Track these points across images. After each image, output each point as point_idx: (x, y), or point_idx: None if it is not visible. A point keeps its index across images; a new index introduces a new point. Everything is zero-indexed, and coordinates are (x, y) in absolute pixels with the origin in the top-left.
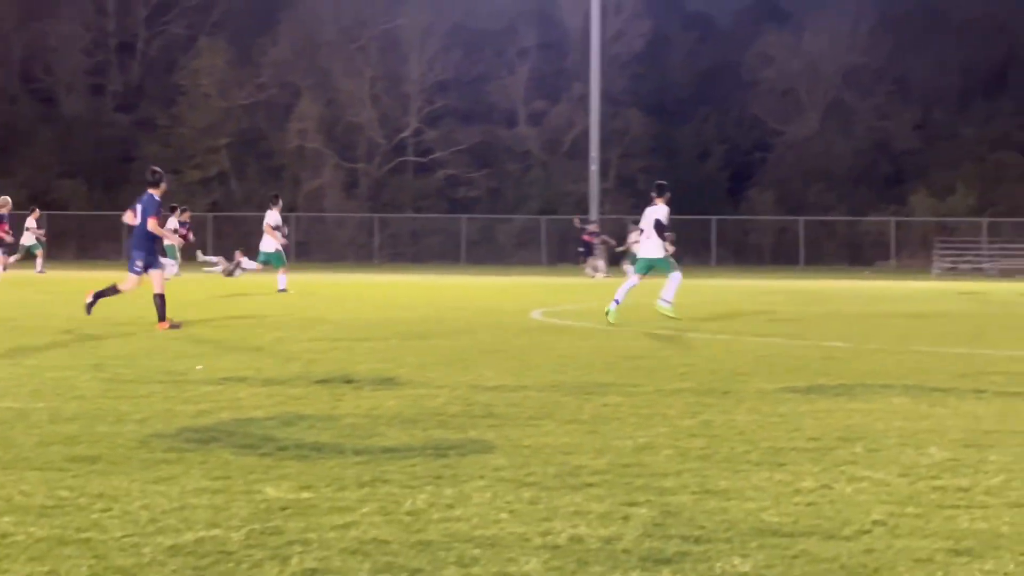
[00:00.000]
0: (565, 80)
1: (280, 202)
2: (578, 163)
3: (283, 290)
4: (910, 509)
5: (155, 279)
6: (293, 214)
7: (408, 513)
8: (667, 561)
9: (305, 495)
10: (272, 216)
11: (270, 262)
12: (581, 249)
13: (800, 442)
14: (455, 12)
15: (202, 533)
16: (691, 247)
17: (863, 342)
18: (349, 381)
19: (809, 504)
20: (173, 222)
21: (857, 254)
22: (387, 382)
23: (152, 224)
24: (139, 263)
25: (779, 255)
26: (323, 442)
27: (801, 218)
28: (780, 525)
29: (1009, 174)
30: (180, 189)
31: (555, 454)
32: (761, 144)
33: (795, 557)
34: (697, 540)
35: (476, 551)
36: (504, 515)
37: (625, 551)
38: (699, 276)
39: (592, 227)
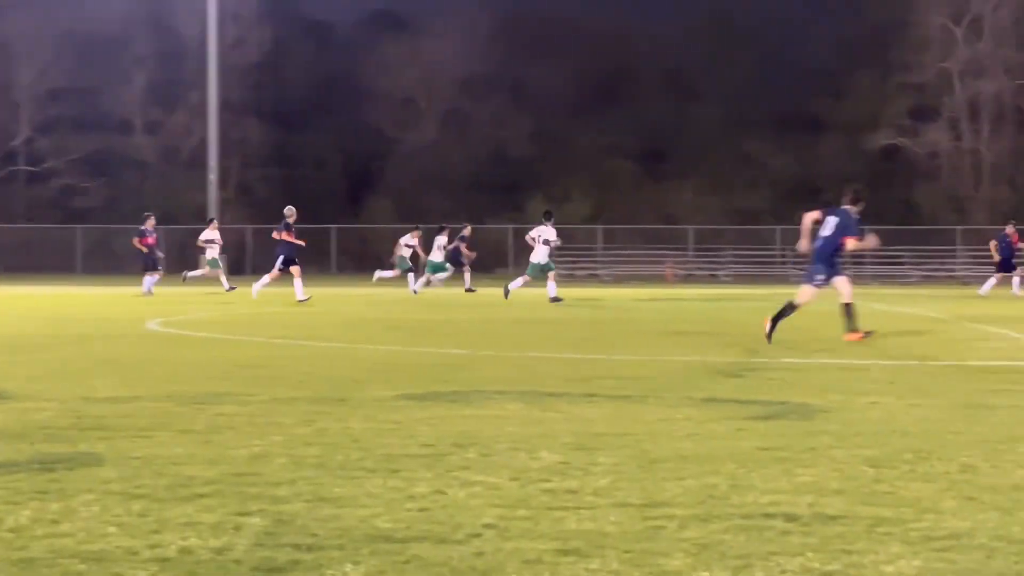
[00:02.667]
0: (182, 89)
1: None
2: (197, 172)
3: None
4: (520, 512)
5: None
6: None
7: (10, 530)
8: (279, 570)
9: None
10: None
11: None
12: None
13: (414, 448)
14: (65, 18)
15: None
16: (311, 256)
17: (479, 348)
18: None
19: (422, 509)
20: None
21: (476, 261)
22: None
23: None
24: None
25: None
26: None
27: (421, 226)
28: (393, 531)
29: (622, 182)
30: None
31: (167, 465)
32: (379, 153)
33: (406, 562)
34: (310, 548)
35: (82, 566)
36: (112, 528)
37: (236, 561)
38: (319, 284)
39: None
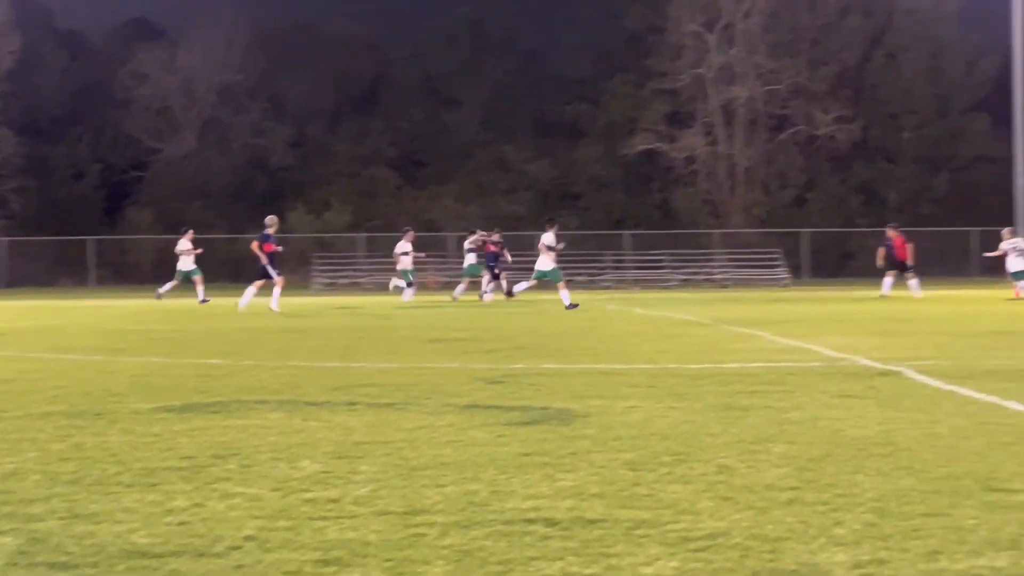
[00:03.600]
0: None
1: None
2: None
3: None
4: (281, 523)
5: None
6: None
7: None
8: None
9: None
10: None
11: None
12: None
13: (173, 461)
14: None
15: None
16: (69, 268)
17: (240, 358)
18: None
19: (181, 523)
20: None
21: (237, 270)
22: None
23: None
24: None
25: (160, 274)
26: None
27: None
28: (150, 546)
29: (382, 189)
30: None
31: None
32: (137, 163)
33: None
34: (64, 566)
35: None
36: None
37: None
38: (77, 297)
39: (495, 236)
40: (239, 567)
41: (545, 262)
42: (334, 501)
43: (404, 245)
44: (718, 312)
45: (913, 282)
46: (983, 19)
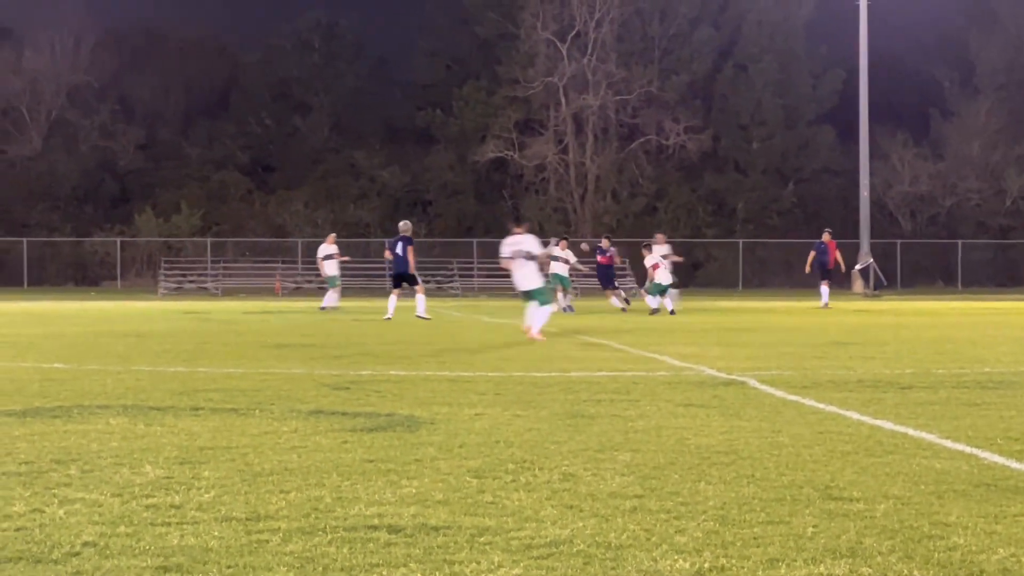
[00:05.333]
0: None
1: None
2: None
3: None
4: (122, 528)
5: None
6: None
7: None
8: None
9: None
10: None
11: None
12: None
13: (12, 466)
14: None
15: None
16: None
17: (84, 363)
18: None
19: (19, 529)
20: None
21: (83, 274)
22: None
23: None
24: None
25: (1, 277)
26: None
27: (24, 239)
28: None
29: (232, 193)
30: None
31: None
32: None
33: None
34: None
35: None
36: None
37: None
38: None
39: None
40: (77, 573)
41: (556, 268)
42: (176, 507)
43: (326, 248)
44: (565, 321)
45: (825, 290)
46: (831, 33)
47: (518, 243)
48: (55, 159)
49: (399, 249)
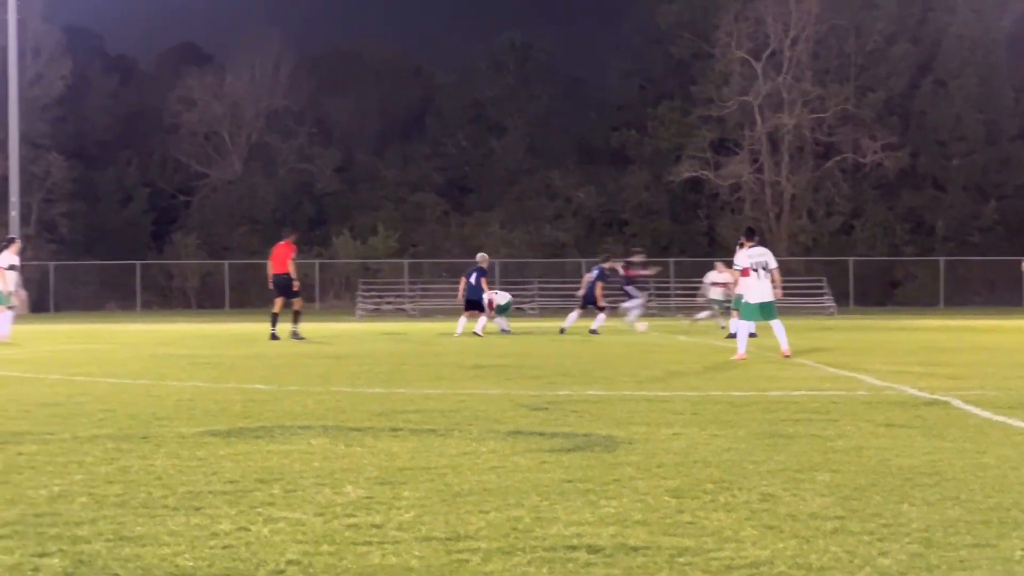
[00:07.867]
0: None
1: None
2: None
3: None
4: (325, 547)
5: None
6: None
7: None
8: None
9: None
10: None
11: None
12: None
13: (218, 485)
14: None
15: None
16: (117, 292)
17: (284, 384)
18: None
19: (225, 547)
20: None
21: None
22: None
23: None
24: None
25: (204, 299)
26: None
27: (226, 262)
28: (195, 569)
29: (427, 215)
30: None
31: None
32: (185, 188)
33: None
34: None
35: None
36: None
37: None
38: (124, 321)
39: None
40: None
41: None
42: (377, 526)
43: (717, 276)
44: (763, 340)
45: None
46: None
47: (761, 255)
48: (255, 182)
49: (473, 279)
